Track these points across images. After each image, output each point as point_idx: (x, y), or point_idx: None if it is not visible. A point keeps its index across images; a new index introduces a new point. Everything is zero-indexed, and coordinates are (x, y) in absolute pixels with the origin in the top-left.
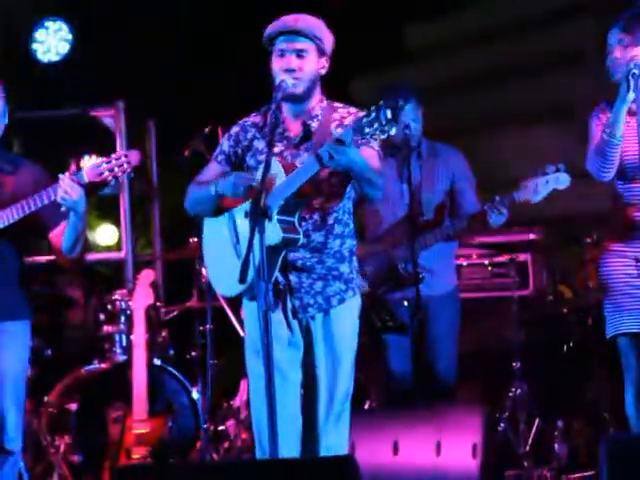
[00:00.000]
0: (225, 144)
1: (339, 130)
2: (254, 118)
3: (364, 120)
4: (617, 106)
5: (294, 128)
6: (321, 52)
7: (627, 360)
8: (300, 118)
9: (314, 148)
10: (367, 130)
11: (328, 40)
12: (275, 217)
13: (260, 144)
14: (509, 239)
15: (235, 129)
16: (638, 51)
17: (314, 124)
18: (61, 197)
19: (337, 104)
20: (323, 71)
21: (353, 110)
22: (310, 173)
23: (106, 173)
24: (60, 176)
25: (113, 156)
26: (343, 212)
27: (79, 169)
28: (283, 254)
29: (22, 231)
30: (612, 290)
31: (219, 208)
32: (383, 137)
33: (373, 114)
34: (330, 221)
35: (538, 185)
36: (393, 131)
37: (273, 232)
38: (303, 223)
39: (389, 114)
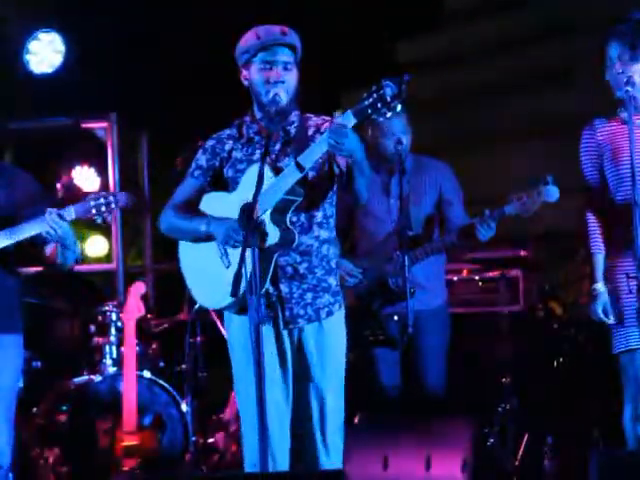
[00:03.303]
0: (202, 158)
1: (318, 136)
2: (229, 131)
3: (365, 102)
4: None
5: (272, 135)
6: (298, 64)
7: (626, 376)
8: (278, 126)
9: (295, 154)
10: (370, 111)
11: (300, 52)
12: (269, 216)
13: (239, 154)
14: (500, 255)
15: (210, 142)
16: (632, 70)
17: (292, 130)
18: (46, 232)
19: (308, 114)
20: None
21: (327, 118)
22: (292, 181)
23: (93, 211)
24: (48, 210)
25: (102, 194)
26: (328, 217)
27: (67, 204)
28: (275, 258)
29: (15, 248)
30: (614, 305)
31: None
32: (389, 115)
33: (375, 94)
34: (316, 223)
35: (527, 199)
36: (399, 107)
37: (270, 231)
38: (292, 227)
39: (395, 88)
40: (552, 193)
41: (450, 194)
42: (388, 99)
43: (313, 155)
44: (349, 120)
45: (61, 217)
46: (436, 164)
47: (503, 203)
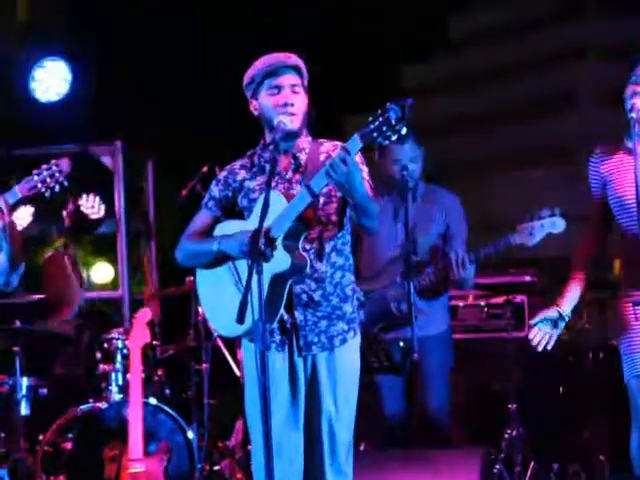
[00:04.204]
0: (215, 189)
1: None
2: (241, 161)
3: (371, 125)
4: None
5: (283, 162)
6: (305, 89)
7: (635, 402)
8: (288, 153)
9: (305, 180)
10: (376, 135)
11: (307, 78)
12: (281, 243)
13: (251, 184)
14: (505, 280)
15: (223, 174)
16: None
17: (302, 157)
18: None
19: (321, 140)
20: (307, 108)
21: (338, 143)
22: (303, 205)
23: (39, 185)
24: None
25: (44, 167)
26: (342, 243)
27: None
28: (289, 285)
29: None
30: (623, 333)
31: (216, 263)
32: (394, 138)
33: (380, 118)
34: (328, 250)
35: (533, 229)
36: (404, 130)
37: (281, 258)
38: (304, 254)
39: (399, 112)
40: (558, 225)
41: (455, 229)
42: (393, 122)
43: (323, 180)
44: (354, 144)
45: (5, 200)
46: (447, 195)
47: (510, 231)
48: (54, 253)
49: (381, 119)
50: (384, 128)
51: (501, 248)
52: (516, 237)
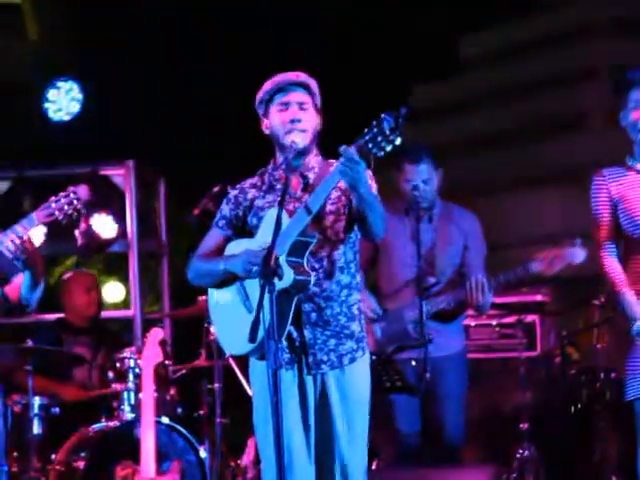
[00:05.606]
0: (225, 208)
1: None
2: (252, 180)
3: (366, 137)
4: None
5: (292, 181)
6: (316, 108)
7: None
8: (297, 171)
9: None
10: (371, 145)
11: (319, 98)
12: (284, 259)
13: (261, 202)
14: (517, 300)
15: (233, 192)
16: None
17: (311, 176)
18: (7, 248)
19: (331, 160)
20: (319, 127)
21: None
22: (302, 223)
23: (56, 213)
24: (17, 228)
25: (62, 194)
26: (348, 261)
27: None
28: (295, 302)
29: None
30: (629, 353)
31: (226, 282)
32: (389, 149)
33: (375, 129)
34: (337, 267)
35: (553, 259)
36: (398, 141)
37: (284, 274)
38: (314, 273)
39: (392, 123)
40: (579, 256)
41: (473, 250)
42: (387, 133)
43: (319, 197)
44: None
45: (24, 227)
46: (465, 215)
47: (530, 260)
48: (75, 272)
49: (376, 130)
50: (379, 139)
51: (520, 276)
52: (536, 266)
